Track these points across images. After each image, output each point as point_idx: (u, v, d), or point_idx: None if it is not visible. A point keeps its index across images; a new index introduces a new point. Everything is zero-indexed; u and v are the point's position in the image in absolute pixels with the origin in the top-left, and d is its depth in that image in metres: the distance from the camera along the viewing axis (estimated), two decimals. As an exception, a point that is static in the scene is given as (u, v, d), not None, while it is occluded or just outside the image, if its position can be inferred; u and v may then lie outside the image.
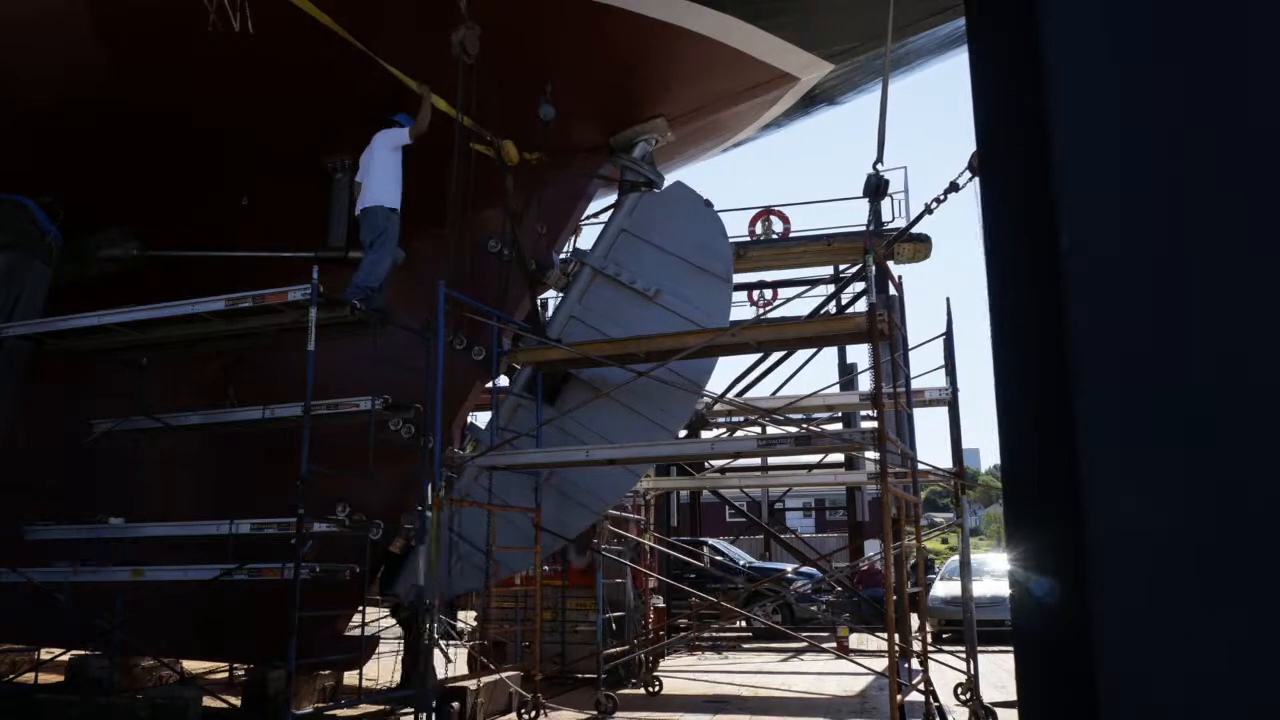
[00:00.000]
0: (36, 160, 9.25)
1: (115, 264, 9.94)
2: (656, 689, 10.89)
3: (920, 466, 11.53)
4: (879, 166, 9.35)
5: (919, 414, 17.79)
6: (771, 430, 13.51)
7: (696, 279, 9.92)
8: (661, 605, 13.95)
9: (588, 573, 11.55)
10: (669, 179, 10.66)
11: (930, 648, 13.85)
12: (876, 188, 9.36)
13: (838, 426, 16.82)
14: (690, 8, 8.71)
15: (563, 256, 10.73)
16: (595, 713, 9.19)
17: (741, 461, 17.86)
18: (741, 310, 19.21)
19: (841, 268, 19.17)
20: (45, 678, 10.20)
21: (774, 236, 18.24)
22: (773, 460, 18.13)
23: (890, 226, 17.81)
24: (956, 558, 15.58)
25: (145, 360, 9.75)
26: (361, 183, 8.74)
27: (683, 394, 9.74)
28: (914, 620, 14.29)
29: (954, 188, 10.06)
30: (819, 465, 18.94)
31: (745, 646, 16.51)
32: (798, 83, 10.18)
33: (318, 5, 7.78)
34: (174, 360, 10.06)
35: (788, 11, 9.12)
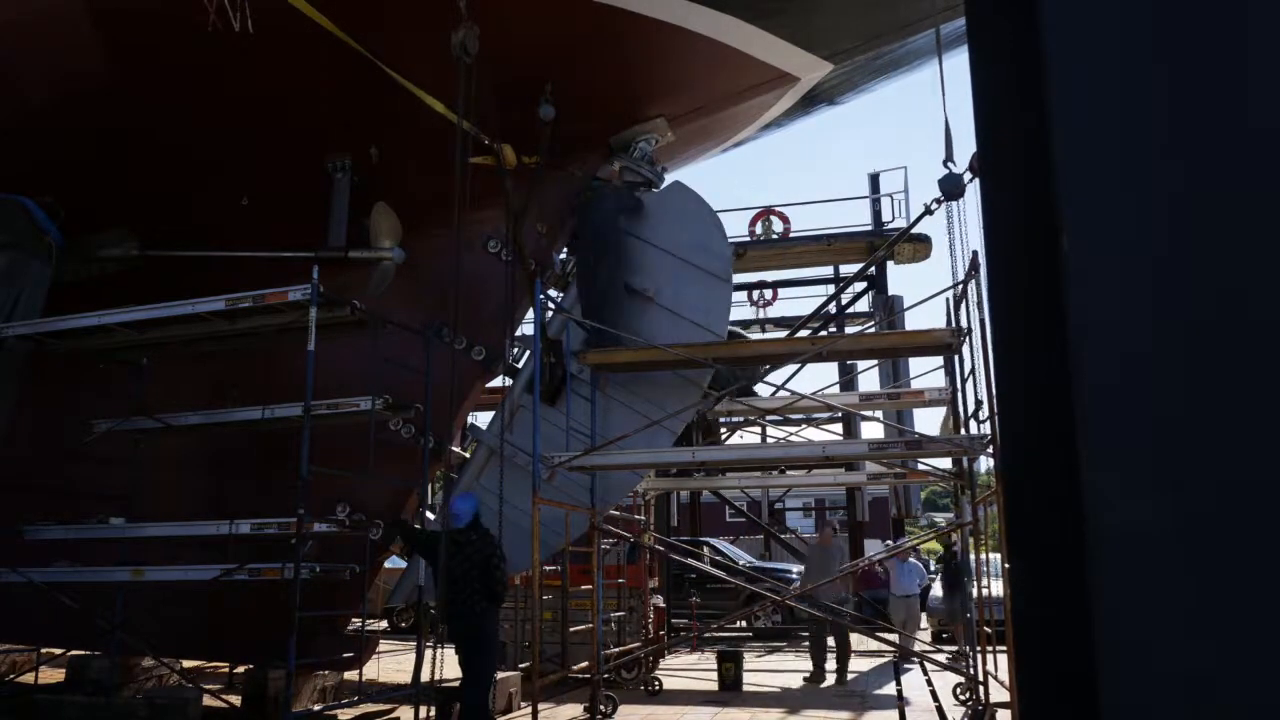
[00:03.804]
0: (36, 160, 9.25)
1: (115, 264, 9.93)
2: (656, 688, 10.90)
3: (920, 466, 11.54)
4: (950, 165, 9.22)
5: (919, 414, 17.81)
6: (880, 435, 13.74)
7: (696, 279, 9.92)
8: (662, 605, 13.95)
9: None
10: (669, 179, 10.65)
11: (929, 648, 13.87)
12: (954, 187, 9.10)
13: (838, 427, 16.86)
14: (690, 8, 8.70)
15: (561, 256, 10.73)
16: (595, 712, 9.18)
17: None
18: (741, 310, 19.23)
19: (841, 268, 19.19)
20: (45, 677, 10.20)
21: (774, 236, 18.23)
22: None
23: (891, 227, 17.81)
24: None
25: (145, 360, 9.75)
26: None
27: (683, 393, 9.75)
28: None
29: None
30: (819, 465, 18.91)
31: (745, 646, 16.50)
32: (798, 83, 10.17)
33: (316, 7, 7.77)
34: (174, 360, 10.06)
35: (788, 12, 9.11)
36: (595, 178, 10.16)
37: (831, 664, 11.92)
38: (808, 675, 11.87)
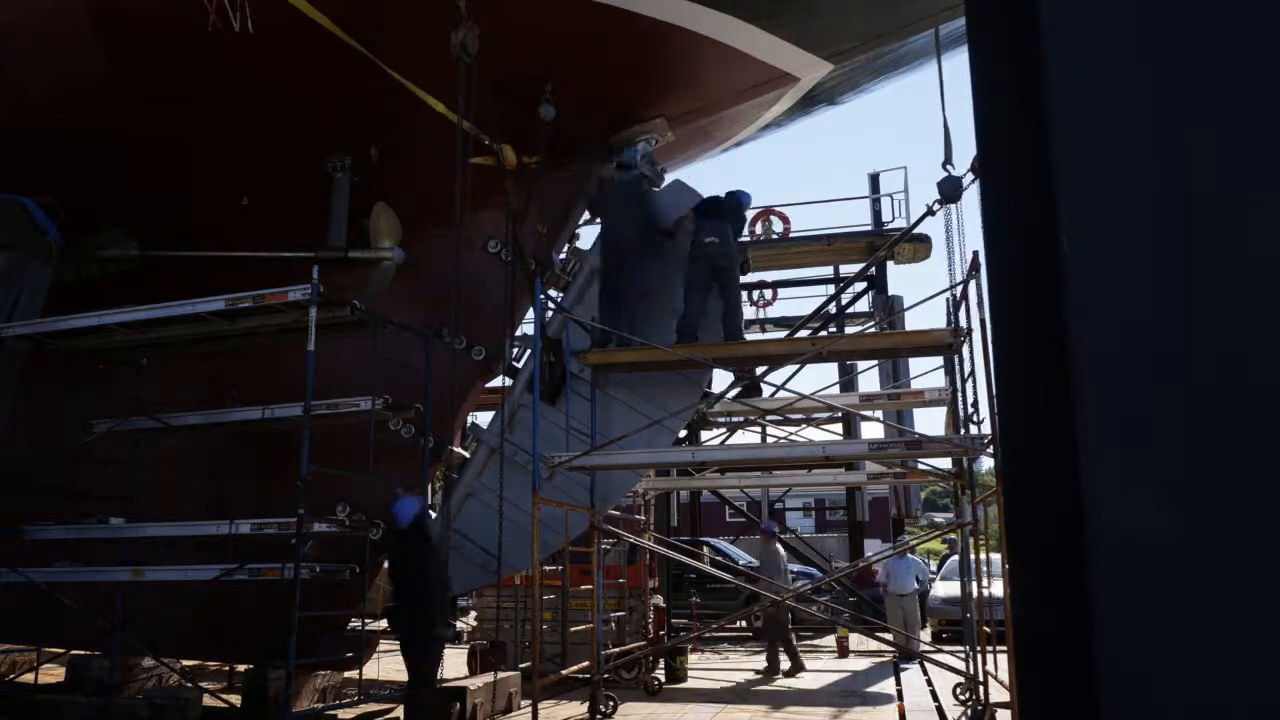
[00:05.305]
0: (36, 160, 9.25)
1: (115, 264, 9.93)
2: (657, 687, 10.90)
3: (920, 466, 11.54)
4: (949, 168, 9.25)
5: (919, 414, 17.79)
6: (880, 435, 13.76)
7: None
8: (662, 605, 13.95)
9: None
10: (669, 178, 10.65)
11: (929, 647, 13.88)
12: (953, 189, 9.10)
13: (838, 427, 16.87)
14: (690, 8, 8.70)
15: (561, 256, 10.72)
16: (595, 712, 9.18)
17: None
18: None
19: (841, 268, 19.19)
20: (45, 677, 10.20)
21: (774, 236, 18.23)
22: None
23: (891, 227, 17.80)
24: (956, 557, 15.60)
25: (145, 360, 9.75)
26: None
27: (683, 393, 9.75)
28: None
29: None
30: (819, 465, 18.90)
31: (746, 646, 16.52)
32: (798, 83, 10.17)
33: (317, 6, 7.77)
34: (174, 360, 10.05)
35: (788, 11, 9.11)
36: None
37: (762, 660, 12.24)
38: (787, 671, 12.26)
